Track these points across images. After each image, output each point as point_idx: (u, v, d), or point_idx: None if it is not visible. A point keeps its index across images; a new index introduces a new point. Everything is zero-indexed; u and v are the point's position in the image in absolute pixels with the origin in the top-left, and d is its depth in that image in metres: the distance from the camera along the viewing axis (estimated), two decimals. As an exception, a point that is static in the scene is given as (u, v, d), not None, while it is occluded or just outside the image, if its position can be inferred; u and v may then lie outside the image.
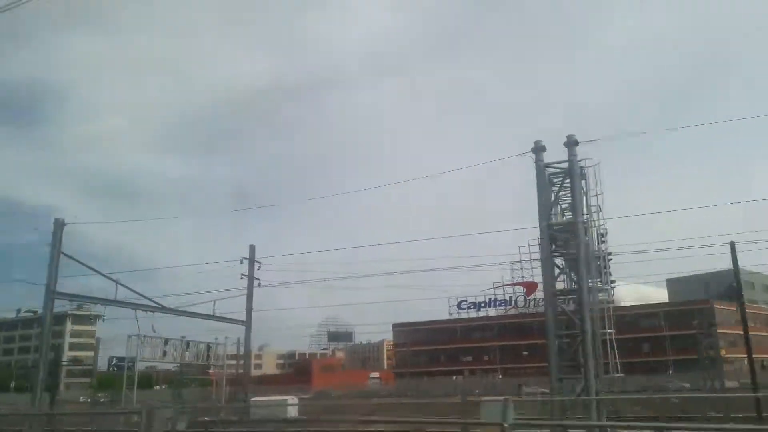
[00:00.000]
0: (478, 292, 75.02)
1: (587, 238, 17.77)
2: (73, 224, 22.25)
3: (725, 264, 66.64)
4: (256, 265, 30.66)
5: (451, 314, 76.14)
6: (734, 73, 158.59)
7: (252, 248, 31.01)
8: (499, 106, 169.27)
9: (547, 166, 18.13)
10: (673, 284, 70.81)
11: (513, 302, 70.32)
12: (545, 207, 18.14)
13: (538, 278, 69.96)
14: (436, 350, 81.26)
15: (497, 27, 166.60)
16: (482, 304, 74.21)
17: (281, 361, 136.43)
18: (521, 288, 69.59)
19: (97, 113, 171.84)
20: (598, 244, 17.95)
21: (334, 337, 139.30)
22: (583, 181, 17.70)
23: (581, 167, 17.68)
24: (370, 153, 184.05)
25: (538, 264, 69.24)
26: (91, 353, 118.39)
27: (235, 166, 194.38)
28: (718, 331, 60.37)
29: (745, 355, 61.77)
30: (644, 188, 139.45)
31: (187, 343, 36.59)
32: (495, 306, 73.37)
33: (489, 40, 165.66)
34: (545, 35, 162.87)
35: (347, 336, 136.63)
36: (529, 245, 72.06)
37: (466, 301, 75.63)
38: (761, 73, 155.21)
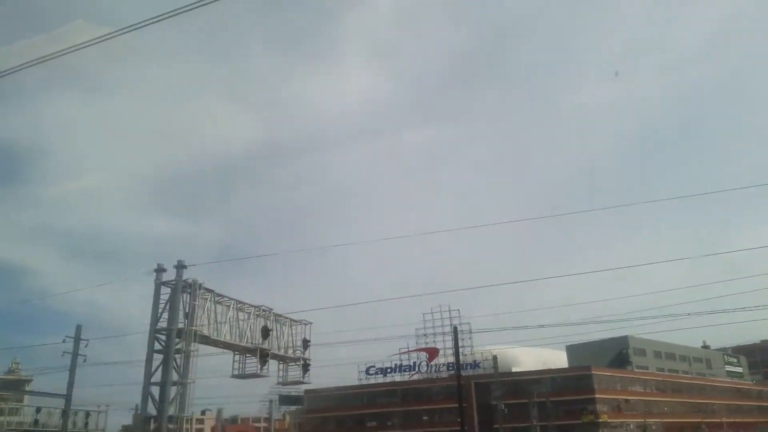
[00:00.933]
0: (385, 357, 76.94)
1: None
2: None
3: (625, 331, 72.44)
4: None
5: (360, 380, 77.19)
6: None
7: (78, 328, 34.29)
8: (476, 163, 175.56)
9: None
10: (572, 350, 75.47)
11: (416, 368, 72.36)
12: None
13: (441, 344, 71.97)
14: (343, 416, 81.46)
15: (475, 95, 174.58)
16: (388, 370, 75.85)
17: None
18: (425, 354, 72.10)
19: (80, 172, 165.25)
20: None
21: (285, 400, 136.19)
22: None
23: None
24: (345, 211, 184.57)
25: (442, 330, 71.27)
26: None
27: (221, 225, 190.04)
28: (605, 396, 64.66)
29: (629, 419, 66.37)
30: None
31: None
32: (400, 372, 75.13)
33: (466, 105, 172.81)
34: (520, 105, 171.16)
35: (299, 400, 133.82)
36: (432, 312, 74.41)
37: (374, 366, 77.04)
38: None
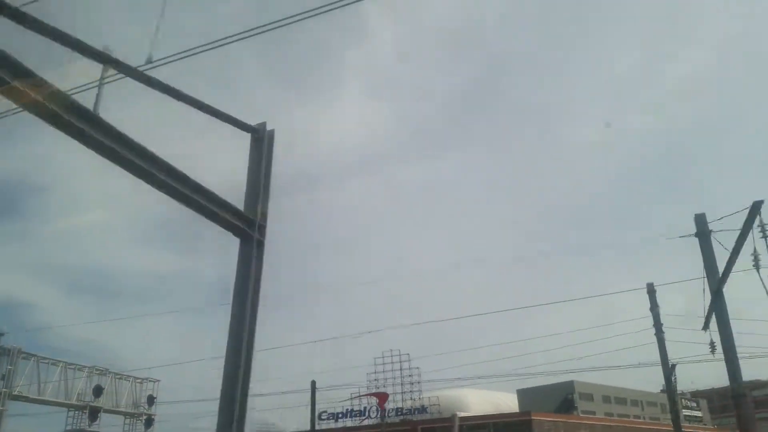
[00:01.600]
0: (338, 402, 76.50)
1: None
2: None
3: (573, 376, 72.60)
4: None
5: (317, 425, 76.42)
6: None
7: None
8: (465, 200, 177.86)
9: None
10: (522, 394, 75.63)
11: (367, 413, 72.00)
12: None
13: (391, 389, 71.44)
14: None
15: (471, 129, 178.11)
16: (340, 415, 75.22)
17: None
18: (375, 398, 71.88)
19: (81, 208, 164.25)
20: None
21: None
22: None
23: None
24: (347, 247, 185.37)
25: (392, 374, 71.67)
26: None
27: (223, 262, 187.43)
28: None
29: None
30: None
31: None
32: (351, 417, 74.59)
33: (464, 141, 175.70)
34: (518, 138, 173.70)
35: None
36: (383, 356, 74.39)
37: (326, 412, 76.38)
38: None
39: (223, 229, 9.86)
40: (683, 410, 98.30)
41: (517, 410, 73.40)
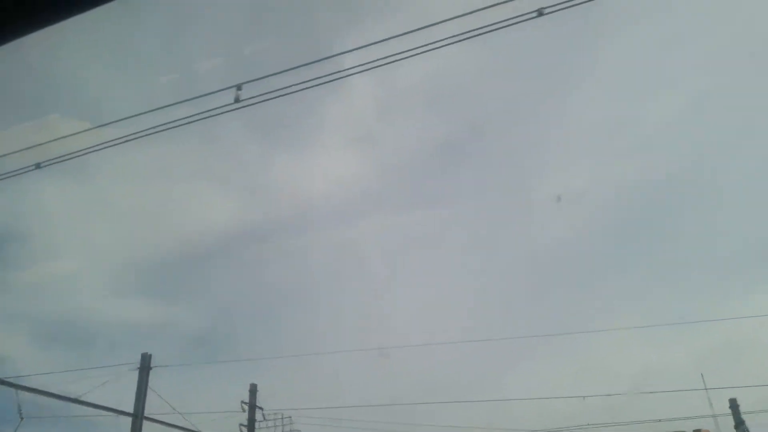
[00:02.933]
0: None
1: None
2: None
3: None
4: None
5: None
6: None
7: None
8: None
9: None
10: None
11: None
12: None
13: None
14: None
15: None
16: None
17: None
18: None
19: (55, 256, 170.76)
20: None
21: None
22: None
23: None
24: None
25: None
26: None
27: (198, 309, 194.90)
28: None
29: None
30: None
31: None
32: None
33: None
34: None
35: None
36: (264, 415, 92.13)
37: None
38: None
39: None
40: None
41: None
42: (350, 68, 8.08)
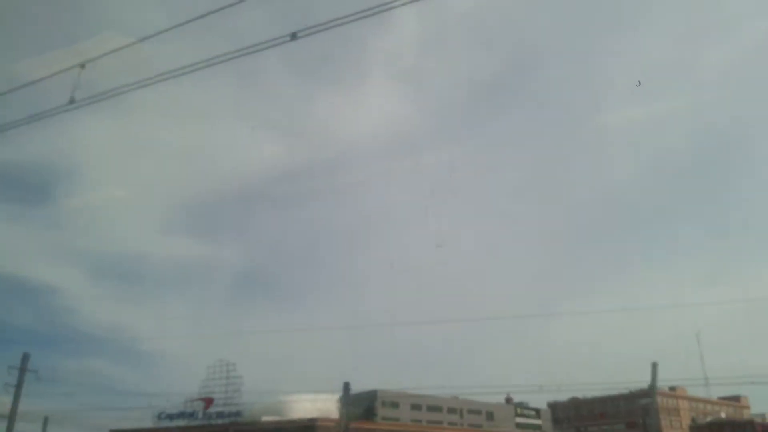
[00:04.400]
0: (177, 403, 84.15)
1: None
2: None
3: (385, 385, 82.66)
4: None
5: (155, 424, 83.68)
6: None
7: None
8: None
9: None
10: (341, 401, 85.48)
11: (195, 415, 79.95)
12: None
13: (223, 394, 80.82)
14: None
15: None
16: (174, 416, 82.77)
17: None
18: (202, 402, 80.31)
19: (103, 195, 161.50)
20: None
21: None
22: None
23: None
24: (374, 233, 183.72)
25: (220, 382, 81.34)
26: None
27: (244, 249, 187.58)
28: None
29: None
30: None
31: None
32: (184, 417, 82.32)
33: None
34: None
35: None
36: (215, 365, 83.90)
37: (165, 412, 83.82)
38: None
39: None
40: (519, 418, 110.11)
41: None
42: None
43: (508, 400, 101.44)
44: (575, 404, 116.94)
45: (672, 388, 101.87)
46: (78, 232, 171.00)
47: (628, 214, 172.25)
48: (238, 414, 73.97)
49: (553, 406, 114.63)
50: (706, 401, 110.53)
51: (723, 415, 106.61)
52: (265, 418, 72.89)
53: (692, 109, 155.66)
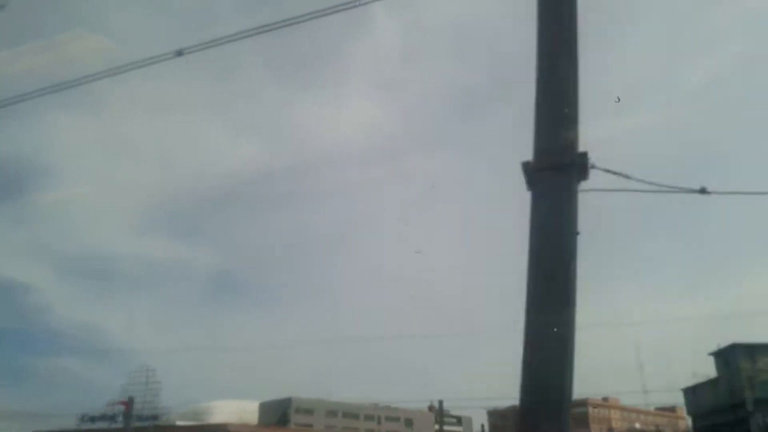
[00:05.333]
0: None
1: None
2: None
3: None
4: None
5: (77, 426, 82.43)
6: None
7: None
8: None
9: None
10: (261, 407, 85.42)
11: (115, 418, 78.95)
12: None
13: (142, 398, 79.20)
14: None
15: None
16: (96, 418, 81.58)
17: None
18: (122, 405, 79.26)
19: (77, 193, 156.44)
20: None
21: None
22: None
23: None
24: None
25: (141, 386, 79.89)
26: None
27: (219, 251, 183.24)
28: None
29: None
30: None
31: None
32: (107, 420, 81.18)
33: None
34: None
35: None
36: (139, 370, 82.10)
37: (87, 414, 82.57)
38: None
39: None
40: (434, 425, 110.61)
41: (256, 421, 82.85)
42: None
43: (431, 408, 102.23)
44: (513, 412, 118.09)
45: (605, 399, 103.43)
46: (50, 229, 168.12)
47: (606, 225, 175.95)
48: (155, 418, 73.31)
49: (492, 414, 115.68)
50: (639, 411, 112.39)
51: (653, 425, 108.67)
52: (180, 423, 72.40)
53: (670, 123, 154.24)
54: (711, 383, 40.28)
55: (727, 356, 37.87)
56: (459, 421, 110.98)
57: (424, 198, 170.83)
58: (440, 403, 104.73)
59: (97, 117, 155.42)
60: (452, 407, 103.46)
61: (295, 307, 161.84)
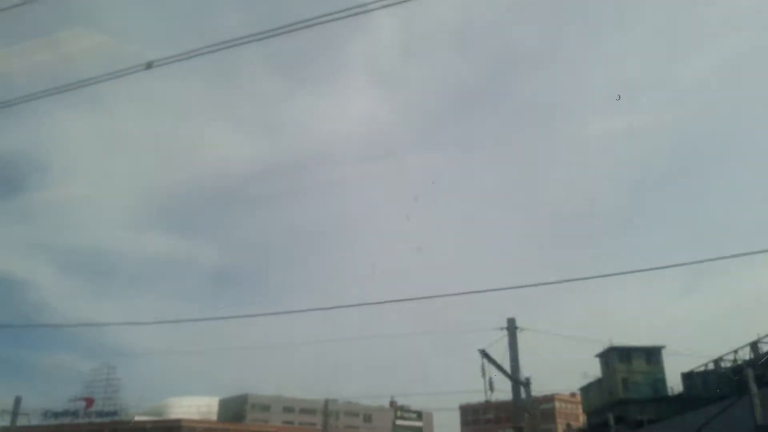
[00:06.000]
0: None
1: None
2: None
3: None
4: None
5: (41, 422, 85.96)
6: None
7: None
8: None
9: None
10: (221, 403, 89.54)
11: (78, 414, 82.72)
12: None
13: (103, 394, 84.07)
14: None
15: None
16: (59, 414, 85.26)
17: None
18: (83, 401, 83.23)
19: (77, 189, 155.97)
20: None
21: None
22: None
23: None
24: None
25: (103, 383, 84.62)
26: None
27: (219, 247, 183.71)
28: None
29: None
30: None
31: None
32: (69, 416, 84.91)
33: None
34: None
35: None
36: (101, 368, 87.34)
37: (50, 410, 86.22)
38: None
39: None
40: (400, 420, 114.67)
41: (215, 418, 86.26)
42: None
43: (392, 404, 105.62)
44: (485, 407, 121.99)
45: (572, 394, 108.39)
46: (50, 225, 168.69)
47: (606, 222, 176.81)
48: (115, 413, 77.08)
49: (465, 409, 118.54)
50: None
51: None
52: (138, 418, 76.14)
53: (670, 121, 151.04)
54: (597, 383, 45.43)
55: (606, 358, 43.03)
56: (419, 416, 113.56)
57: (423, 192, 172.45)
58: (393, 398, 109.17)
59: (96, 113, 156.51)
60: (419, 403, 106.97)
61: (295, 306, 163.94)
